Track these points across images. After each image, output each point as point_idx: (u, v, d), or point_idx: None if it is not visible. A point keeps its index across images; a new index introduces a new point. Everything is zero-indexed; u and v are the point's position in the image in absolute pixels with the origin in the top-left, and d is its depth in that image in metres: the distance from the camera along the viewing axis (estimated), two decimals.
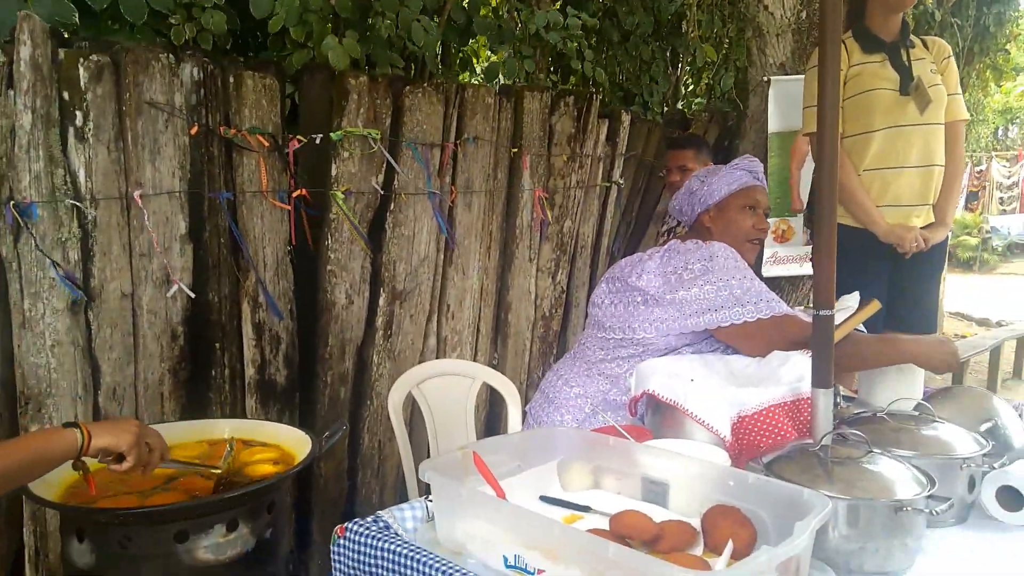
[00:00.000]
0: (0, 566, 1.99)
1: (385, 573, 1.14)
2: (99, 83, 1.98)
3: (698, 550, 1.15)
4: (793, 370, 1.57)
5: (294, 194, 2.35)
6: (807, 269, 3.82)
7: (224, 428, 1.74)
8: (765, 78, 3.73)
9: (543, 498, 1.34)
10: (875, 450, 1.26)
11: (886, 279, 2.62)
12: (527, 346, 3.22)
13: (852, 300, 1.87)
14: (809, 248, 3.80)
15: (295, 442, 1.64)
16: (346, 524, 1.21)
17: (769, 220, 2.11)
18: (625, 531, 1.14)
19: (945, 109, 2.64)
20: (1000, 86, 10.47)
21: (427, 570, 1.08)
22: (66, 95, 1.95)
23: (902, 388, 1.65)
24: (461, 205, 2.79)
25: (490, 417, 3.06)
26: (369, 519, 1.23)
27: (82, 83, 1.96)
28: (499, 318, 3.11)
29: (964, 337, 5.83)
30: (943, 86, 2.64)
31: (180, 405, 2.19)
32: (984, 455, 1.34)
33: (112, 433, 1.28)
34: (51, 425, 1.92)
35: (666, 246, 1.94)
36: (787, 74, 3.70)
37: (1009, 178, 15.55)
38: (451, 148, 2.70)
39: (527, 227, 3.08)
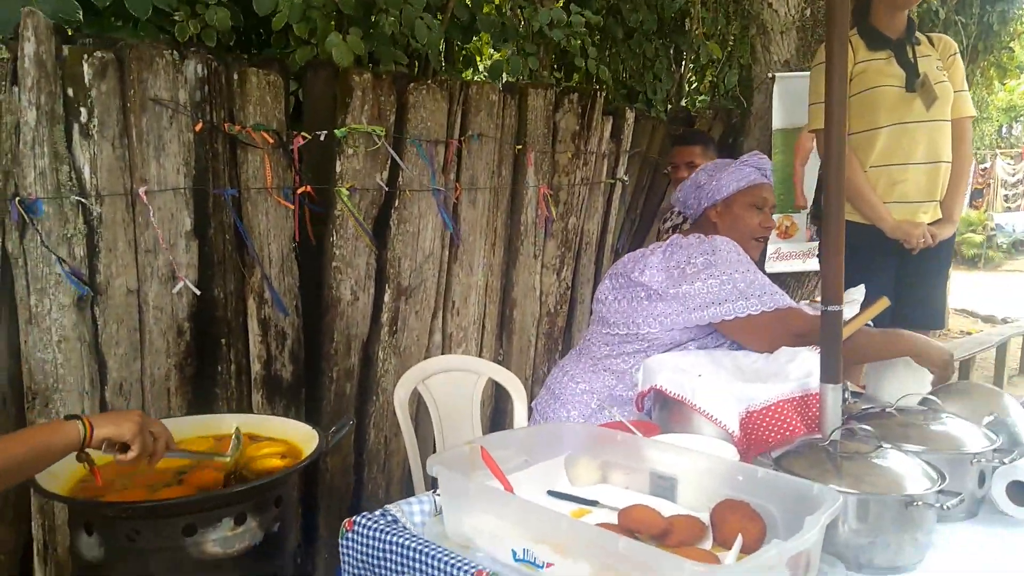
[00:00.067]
0: (9, 560, 1.99)
1: (393, 567, 1.14)
2: (103, 80, 1.98)
3: (707, 544, 1.15)
4: (801, 366, 1.57)
5: (299, 191, 2.35)
6: (810, 265, 3.81)
7: (231, 423, 1.73)
8: (770, 75, 3.72)
9: (551, 493, 1.34)
10: (884, 445, 1.26)
11: (893, 275, 2.61)
12: (532, 342, 3.21)
13: (858, 293, 1.86)
14: (812, 244, 3.79)
15: (302, 437, 1.65)
16: (354, 518, 1.21)
17: (773, 216, 2.10)
18: (633, 525, 1.13)
19: (951, 106, 2.63)
20: (1004, 84, 10.45)
21: (436, 563, 1.08)
22: (70, 92, 1.95)
23: (910, 383, 1.65)
24: (466, 202, 2.78)
25: (495, 413, 3.06)
26: (377, 513, 1.23)
27: (86, 80, 1.96)
28: (504, 315, 3.11)
29: (970, 334, 5.82)
30: (949, 83, 2.63)
31: (186, 401, 2.20)
32: (994, 450, 1.34)
33: (114, 423, 1.28)
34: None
35: (668, 241, 1.93)
36: (791, 71, 3.69)
37: (1014, 175, 15.52)
38: (455, 145, 2.70)
39: (532, 224, 3.08)
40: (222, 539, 1.38)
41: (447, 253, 2.77)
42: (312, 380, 2.52)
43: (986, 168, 15.23)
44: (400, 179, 2.56)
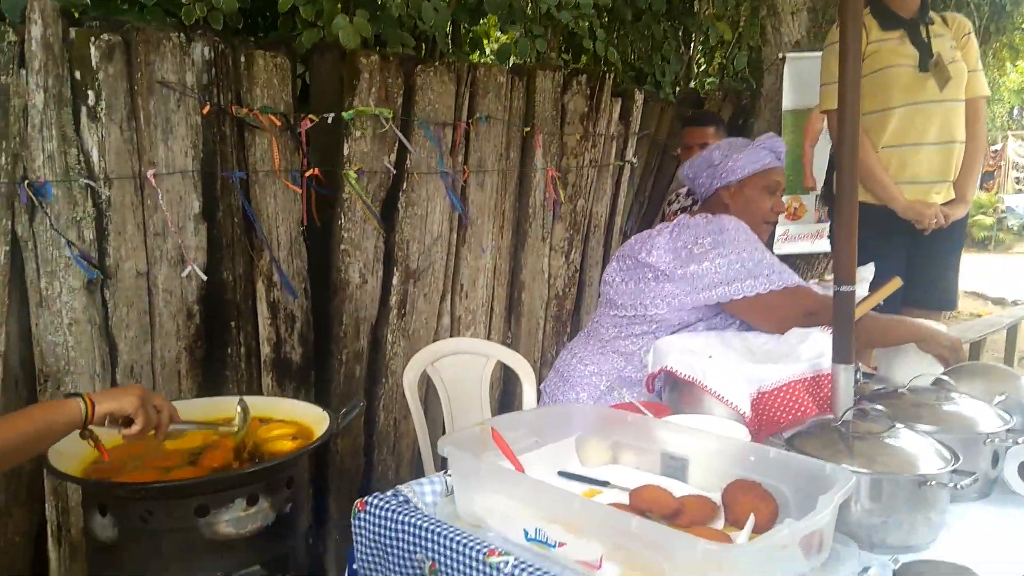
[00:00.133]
0: (24, 541, 2.01)
1: (405, 546, 1.14)
2: (110, 62, 1.97)
3: (719, 524, 1.15)
4: (813, 346, 1.56)
5: (306, 174, 2.34)
6: (818, 247, 3.80)
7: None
8: (780, 56, 3.68)
9: (561, 473, 1.34)
10: (897, 425, 1.25)
11: (905, 256, 2.60)
12: (540, 325, 3.21)
13: (867, 272, 1.85)
14: (821, 226, 3.77)
15: (313, 418, 1.65)
16: (366, 498, 1.21)
17: (782, 199, 2.08)
18: (645, 505, 1.13)
19: (965, 86, 2.60)
20: (1016, 65, 10.31)
21: (448, 543, 1.08)
22: (78, 74, 1.94)
23: (922, 364, 1.64)
24: (474, 184, 2.77)
25: (504, 396, 3.06)
26: (389, 493, 1.24)
27: (93, 62, 1.95)
28: (512, 297, 3.10)
29: (980, 316, 5.78)
30: (963, 63, 2.60)
31: (197, 383, 2.21)
32: (1008, 430, 1.33)
33: (115, 398, 1.28)
34: None
35: (675, 221, 1.92)
36: (802, 52, 3.66)
37: None
38: (463, 127, 2.68)
39: (540, 206, 3.06)
40: (235, 519, 1.39)
41: (455, 236, 2.76)
42: (321, 363, 2.52)
43: (997, 150, 15.08)
44: (408, 162, 2.55)
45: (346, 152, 2.42)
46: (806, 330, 1.64)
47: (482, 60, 4.65)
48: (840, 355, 1.40)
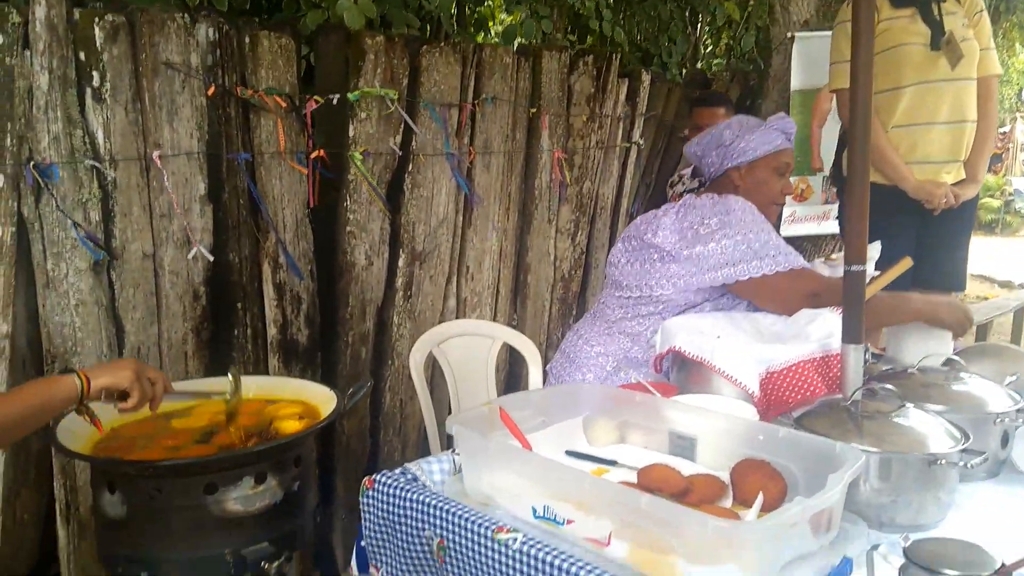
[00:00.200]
0: (33, 519, 2.03)
1: (414, 523, 1.14)
2: (115, 43, 1.96)
3: (727, 503, 1.15)
4: (822, 327, 1.55)
5: (312, 155, 2.33)
6: (825, 228, 3.77)
7: (249, 385, 1.74)
8: (789, 35, 3.64)
9: (569, 452, 1.34)
10: (907, 404, 1.24)
11: (914, 236, 2.58)
12: (546, 307, 3.21)
13: (874, 251, 1.83)
14: (828, 207, 3.75)
15: (320, 398, 1.66)
16: (374, 476, 1.21)
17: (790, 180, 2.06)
18: (653, 484, 1.13)
19: (977, 64, 2.56)
20: None
21: (457, 520, 1.08)
22: (82, 56, 1.93)
23: (931, 345, 1.63)
24: (480, 166, 2.76)
25: (510, 377, 3.07)
26: (397, 471, 1.24)
27: (98, 43, 1.94)
28: (518, 280, 3.10)
29: (987, 299, 5.76)
30: (975, 40, 2.57)
31: (204, 364, 2.21)
32: (1018, 410, 1.32)
33: (110, 373, 1.28)
34: None
35: (681, 201, 1.90)
36: (811, 31, 3.62)
37: None
38: (469, 109, 2.66)
39: (546, 188, 3.05)
40: (243, 497, 1.39)
41: (461, 218, 2.76)
42: (328, 344, 2.53)
43: (1005, 132, 14.95)
44: (413, 143, 2.53)
45: (351, 134, 2.40)
46: (815, 311, 1.63)
47: (487, 41, 4.62)
48: (850, 335, 1.39)
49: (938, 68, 2.51)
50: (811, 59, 3.51)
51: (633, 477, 1.17)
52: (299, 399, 1.70)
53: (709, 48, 5.56)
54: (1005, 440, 1.32)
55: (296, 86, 2.29)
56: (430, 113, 2.54)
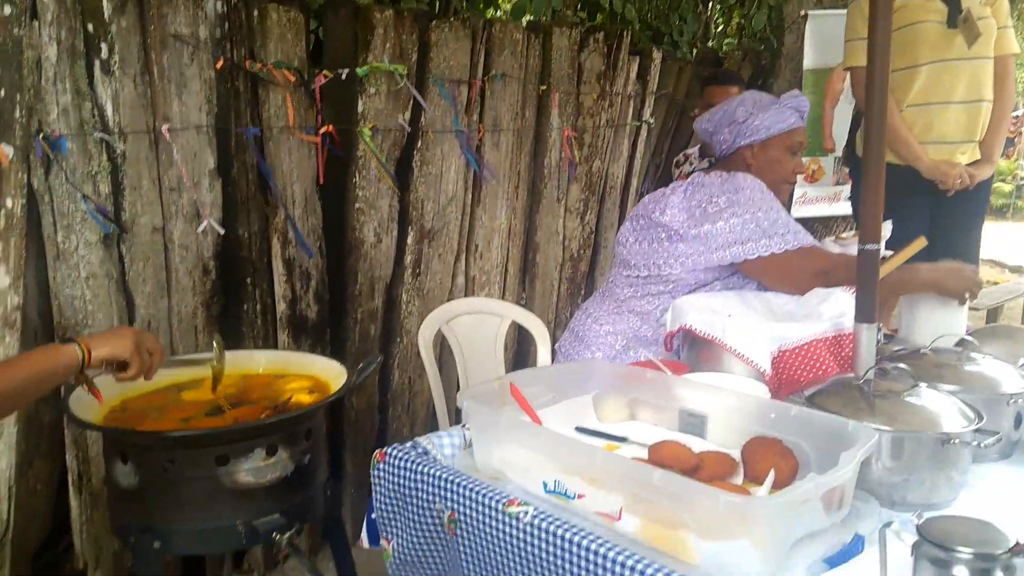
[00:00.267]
0: (45, 490, 2.05)
1: (425, 496, 1.15)
2: (123, 15, 1.95)
3: (738, 480, 1.15)
4: (835, 306, 1.54)
5: (321, 131, 2.32)
6: (836, 209, 3.75)
7: (259, 359, 1.75)
8: (802, 13, 3.60)
9: (579, 429, 1.34)
10: (920, 383, 1.24)
11: (928, 217, 2.56)
12: (555, 287, 3.20)
13: (885, 230, 1.82)
14: (839, 188, 3.72)
15: (330, 373, 1.66)
16: (385, 449, 1.21)
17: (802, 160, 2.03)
18: (664, 460, 1.13)
19: (994, 43, 2.53)
20: None
21: (468, 493, 1.08)
22: (90, 27, 1.92)
23: (944, 325, 1.62)
24: (489, 144, 2.74)
25: (518, 356, 3.07)
26: (408, 444, 1.24)
27: (106, 15, 1.92)
28: (527, 258, 3.09)
29: (997, 284, 5.73)
30: (992, 19, 2.53)
31: (214, 339, 2.21)
32: None
33: (110, 343, 1.29)
34: None
35: (689, 180, 1.88)
36: (824, 9, 3.57)
37: None
38: (478, 85, 2.64)
39: (555, 167, 3.03)
40: (254, 469, 1.40)
41: (470, 196, 2.74)
42: (337, 321, 2.53)
43: (1018, 116, 14.76)
44: (423, 120, 2.52)
45: (360, 109, 2.39)
46: (827, 290, 1.62)
47: (496, 18, 4.57)
48: (863, 314, 1.39)
49: (954, 46, 2.48)
50: (824, 38, 3.47)
51: (643, 454, 1.17)
52: (309, 374, 1.71)
53: (720, 27, 5.49)
54: (1018, 421, 1.31)
55: (305, 60, 2.27)
56: (439, 89, 2.52)
